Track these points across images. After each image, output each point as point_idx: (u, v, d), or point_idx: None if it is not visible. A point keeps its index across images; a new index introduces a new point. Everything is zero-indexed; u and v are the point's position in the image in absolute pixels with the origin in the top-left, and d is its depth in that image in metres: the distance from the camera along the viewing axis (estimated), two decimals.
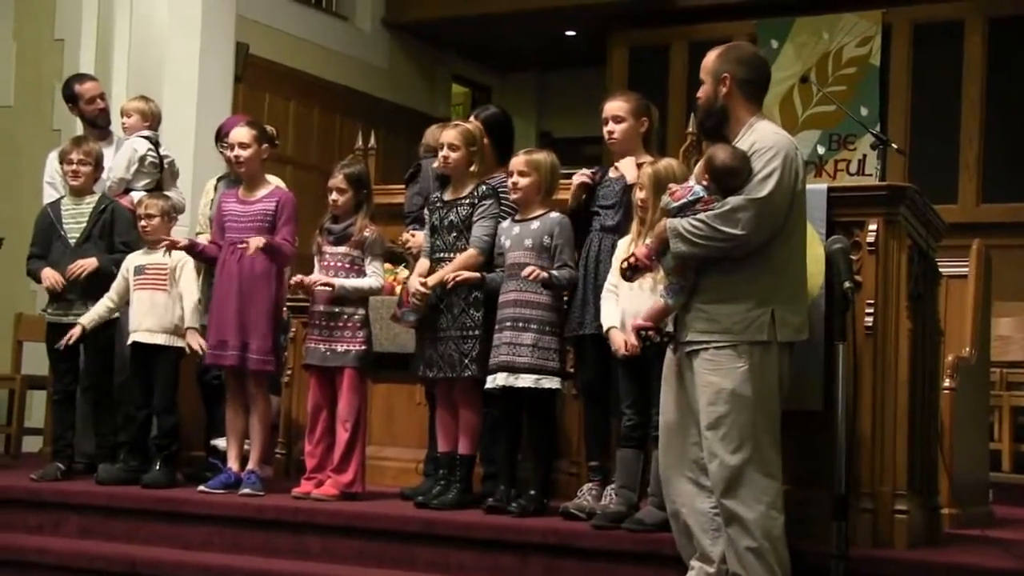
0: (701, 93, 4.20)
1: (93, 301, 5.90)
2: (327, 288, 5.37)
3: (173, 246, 5.65)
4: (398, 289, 5.82)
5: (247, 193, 5.69)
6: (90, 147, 6.08)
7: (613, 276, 4.74)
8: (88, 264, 5.89)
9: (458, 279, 5.10)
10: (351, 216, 5.47)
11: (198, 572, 4.95)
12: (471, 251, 5.16)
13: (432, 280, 5.18)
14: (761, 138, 4.03)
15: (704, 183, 4.01)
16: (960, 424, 5.39)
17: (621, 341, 4.62)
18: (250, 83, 9.68)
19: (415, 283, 5.22)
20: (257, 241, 5.44)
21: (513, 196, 5.13)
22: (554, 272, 4.98)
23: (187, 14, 8.59)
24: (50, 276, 5.90)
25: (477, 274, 5.11)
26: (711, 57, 4.20)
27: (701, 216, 3.96)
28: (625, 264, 4.21)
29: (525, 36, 11.77)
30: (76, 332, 5.78)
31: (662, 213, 4.13)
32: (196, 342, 5.70)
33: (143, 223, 5.83)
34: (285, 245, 5.57)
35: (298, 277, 5.42)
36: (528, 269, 4.97)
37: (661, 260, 4.09)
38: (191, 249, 5.67)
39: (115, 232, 5.99)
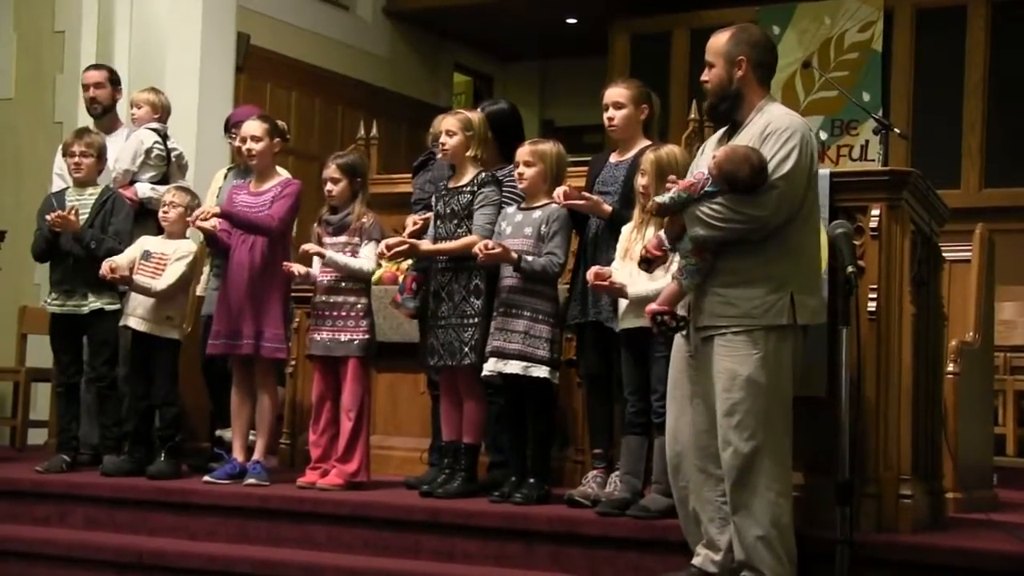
0: (710, 76, 4.14)
1: (93, 291, 5.89)
2: (318, 256, 5.38)
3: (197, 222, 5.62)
4: (400, 278, 5.82)
5: (257, 185, 5.71)
6: (92, 138, 6.07)
7: (616, 263, 4.74)
8: (72, 219, 5.79)
9: (493, 253, 4.92)
10: (348, 205, 5.48)
11: (204, 562, 4.95)
12: (474, 238, 5.16)
13: (426, 246, 5.23)
14: (775, 119, 4.01)
15: (725, 188, 3.96)
16: (964, 408, 5.38)
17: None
18: (251, 73, 9.67)
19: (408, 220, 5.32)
20: (213, 209, 5.52)
21: (520, 186, 5.12)
22: (527, 256, 4.98)
23: (188, 5, 8.59)
24: (55, 214, 5.81)
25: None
26: (722, 40, 4.14)
27: (720, 199, 3.93)
28: (639, 259, 4.21)
29: (526, 24, 11.75)
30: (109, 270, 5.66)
31: (656, 206, 4.08)
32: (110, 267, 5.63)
33: (164, 209, 5.84)
34: (257, 217, 5.54)
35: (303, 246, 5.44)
36: (483, 243, 4.94)
37: (678, 244, 4.07)
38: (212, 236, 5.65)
39: (112, 219, 5.97)
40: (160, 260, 5.79)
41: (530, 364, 4.95)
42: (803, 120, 4.09)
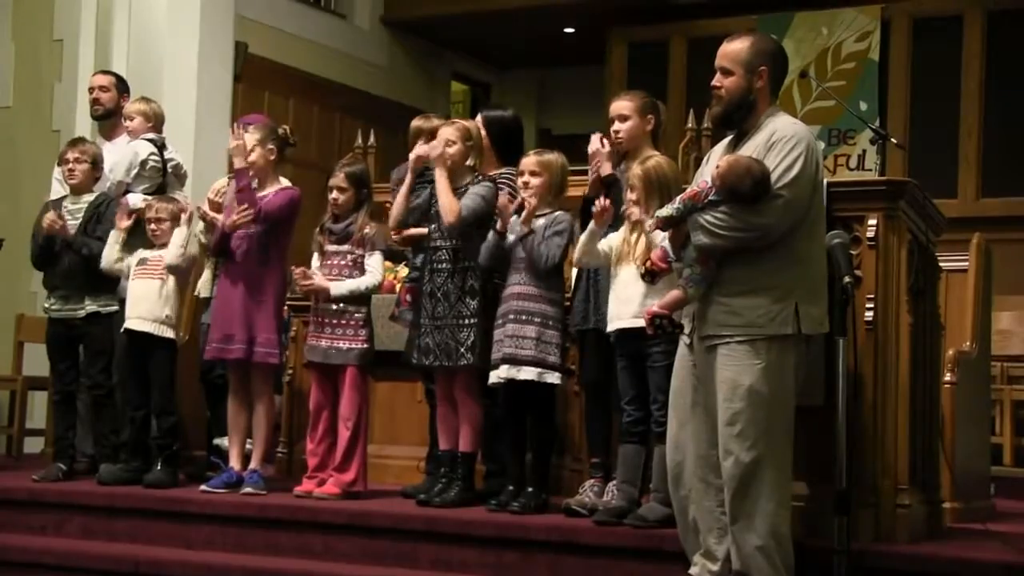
0: (727, 84, 4.06)
1: (90, 295, 5.90)
2: (324, 293, 5.41)
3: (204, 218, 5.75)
4: (397, 287, 5.83)
5: (257, 191, 5.70)
6: (85, 146, 6.08)
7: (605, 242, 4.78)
8: (64, 227, 5.87)
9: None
10: (351, 215, 5.48)
11: (201, 571, 4.95)
12: (458, 205, 5.17)
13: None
14: (780, 128, 4.00)
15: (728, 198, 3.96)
16: (961, 418, 5.38)
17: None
18: (249, 82, 9.67)
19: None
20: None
21: (525, 195, 5.12)
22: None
23: (186, 14, 8.60)
24: (49, 216, 5.89)
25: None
26: (742, 47, 4.08)
27: (724, 208, 3.93)
28: (643, 270, 4.21)
29: (524, 33, 11.76)
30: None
31: (660, 221, 4.09)
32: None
33: (152, 227, 5.82)
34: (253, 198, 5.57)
35: (301, 270, 5.44)
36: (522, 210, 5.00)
37: (682, 253, 4.08)
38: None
39: (101, 222, 5.96)
40: (158, 261, 5.79)
41: (544, 371, 4.96)
42: (808, 129, 4.08)
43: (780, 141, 3.95)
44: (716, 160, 4.07)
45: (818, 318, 4.02)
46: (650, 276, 4.19)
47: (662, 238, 4.21)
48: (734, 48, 4.10)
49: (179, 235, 5.82)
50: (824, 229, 4.13)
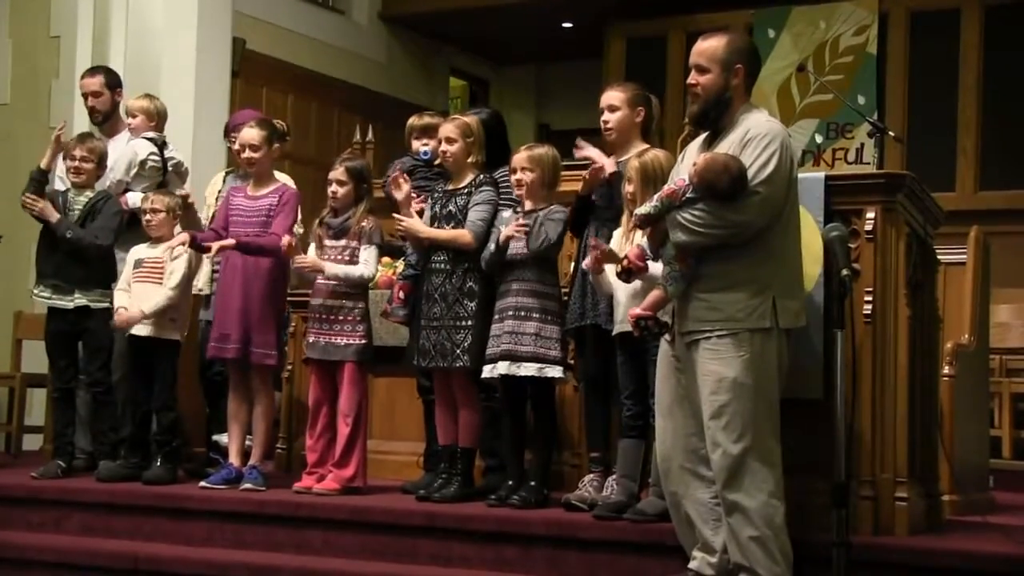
0: (704, 82, 4.11)
1: (81, 288, 5.88)
2: (316, 272, 5.40)
3: (182, 244, 5.61)
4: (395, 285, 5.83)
5: (255, 189, 5.70)
6: (93, 144, 6.06)
7: (607, 269, 4.73)
8: (47, 208, 5.86)
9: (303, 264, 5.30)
10: (350, 209, 5.47)
11: (200, 568, 4.95)
12: (464, 231, 5.17)
13: (421, 226, 5.23)
14: (755, 126, 4.02)
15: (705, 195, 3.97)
16: (960, 411, 5.39)
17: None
18: (247, 78, 9.67)
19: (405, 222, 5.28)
20: (224, 243, 5.46)
21: (518, 192, 5.12)
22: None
23: (183, 10, 8.60)
24: (25, 199, 5.94)
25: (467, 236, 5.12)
26: (718, 45, 4.11)
27: (702, 205, 3.95)
28: (619, 268, 4.22)
29: (522, 28, 11.76)
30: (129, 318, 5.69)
31: (640, 218, 4.10)
32: (124, 318, 5.67)
33: (148, 218, 5.82)
34: (265, 240, 5.51)
35: (299, 257, 5.44)
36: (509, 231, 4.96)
37: (661, 251, 4.08)
38: (193, 242, 5.60)
39: (97, 217, 5.93)
40: (156, 264, 5.78)
41: (544, 365, 4.97)
42: (782, 126, 4.11)
43: (755, 138, 3.97)
44: (692, 158, 4.10)
45: (795, 312, 4.04)
46: (626, 275, 4.20)
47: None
48: (710, 46, 4.13)
49: (179, 266, 5.75)
50: (799, 224, 4.14)
